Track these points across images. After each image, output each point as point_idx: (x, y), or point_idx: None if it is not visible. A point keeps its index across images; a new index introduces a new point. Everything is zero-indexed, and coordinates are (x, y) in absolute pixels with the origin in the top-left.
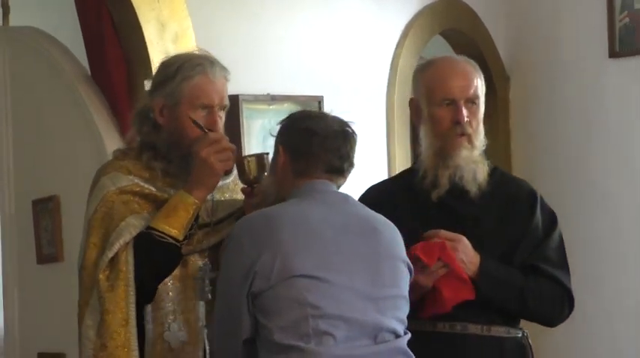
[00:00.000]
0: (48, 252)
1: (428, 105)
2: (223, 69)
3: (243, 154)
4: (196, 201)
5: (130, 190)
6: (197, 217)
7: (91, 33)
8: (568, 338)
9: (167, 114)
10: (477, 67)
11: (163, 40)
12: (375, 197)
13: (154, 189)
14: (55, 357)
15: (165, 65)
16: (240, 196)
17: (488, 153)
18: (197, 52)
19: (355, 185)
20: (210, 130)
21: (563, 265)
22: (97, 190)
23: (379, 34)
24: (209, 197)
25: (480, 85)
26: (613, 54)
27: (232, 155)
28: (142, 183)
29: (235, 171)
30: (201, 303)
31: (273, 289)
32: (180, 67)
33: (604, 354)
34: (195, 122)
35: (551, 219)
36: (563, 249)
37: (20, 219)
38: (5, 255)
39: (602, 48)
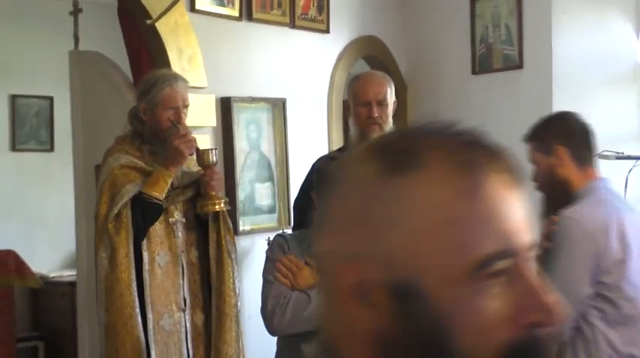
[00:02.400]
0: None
1: (354, 105)
2: (184, 80)
3: (201, 148)
4: (171, 174)
5: (127, 165)
6: (172, 184)
7: (133, 54)
8: None
9: (149, 114)
10: (389, 79)
11: (181, 61)
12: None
13: (143, 164)
14: None
15: (146, 80)
16: (195, 169)
17: None
18: (167, 71)
19: (304, 160)
20: (178, 123)
21: None
22: (105, 166)
23: (323, 57)
24: (179, 171)
25: (389, 91)
26: (474, 72)
27: (194, 144)
28: (135, 160)
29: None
30: (179, 237)
31: None
32: (156, 82)
33: None
34: (170, 120)
35: None
36: None
37: (87, 178)
38: (78, 201)
39: (467, 68)
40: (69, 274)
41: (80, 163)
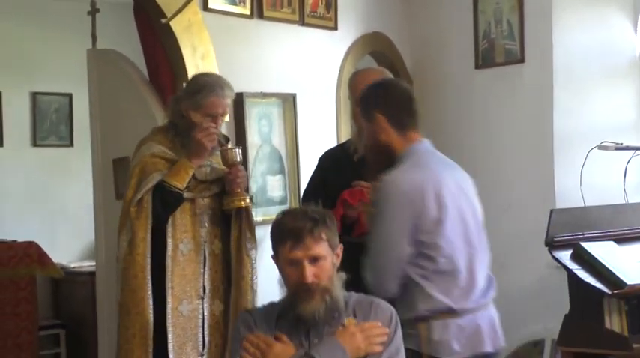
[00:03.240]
0: (122, 191)
1: (352, 101)
2: (230, 89)
3: (228, 147)
4: (192, 165)
5: (158, 155)
6: (194, 174)
7: (149, 53)
8: None
9: (189, 113)
10: (387, 74)
11: (195, 58)
12: (328, 158)
13: (173, 155)
14: None
15: (195, 82)
16: (222, 167)
17: None
18: (216, 78)
19: (313, 153)
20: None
21: None
22: (138, 153)
23: (331, 54)
24: (207, 163)
25: None
26: (477, 67)
27: (216, 136)
28: (166, 151)
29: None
30: (205, 227)
31: None
32: (203, 87)
33: None
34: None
35: None
36: None
37: (105, 171)
38: (96, 193)
39: (471, 63)
40: (89, 264)
41: (98, 157)
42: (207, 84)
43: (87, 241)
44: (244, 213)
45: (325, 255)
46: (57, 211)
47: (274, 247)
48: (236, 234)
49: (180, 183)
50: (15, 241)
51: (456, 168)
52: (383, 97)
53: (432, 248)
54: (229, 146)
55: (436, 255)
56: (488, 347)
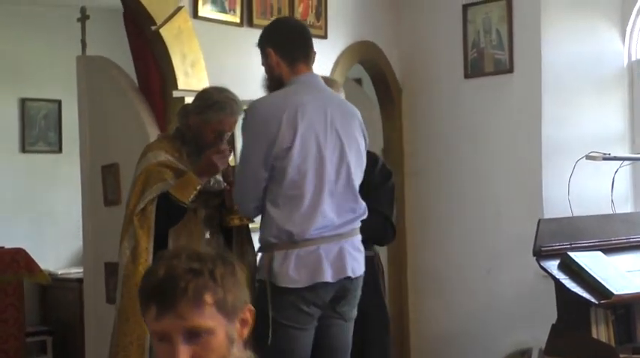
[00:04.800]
0: (111, 198)
1: None
2: (239, 106)
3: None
4: (201, 182)
5: (164, 164)
6: (200, 190)
7: (138, 59)
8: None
9: (195, 126)
10: (333, 83)
11: (184, 65)
12: None
13: (179, 164)
14: (114, 265)
15: (205, 97)
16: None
17: (387, 138)
18: (227, 95)
19: None
20: (221, 141)
21: (390, 204)
22: (144, 160)
23: (321, 62)
24: (212, 179)
25: None
26: (467, 76)
27: (227, 159)
28: (172, 160)
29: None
30: (205, 236)
31: None
32: (213, 104)
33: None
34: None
35: (386, 176)
36: (392, 195)
37: (94, 177)
38: (85, 200)
39: (460, 72)
40: (76, 271)
41: (87, 164)
42: (219, 101)
43: (75, 248)
44: (244, 229)
45: (212, 328)
46: (45, 217)
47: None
48: (238, 250)
49: (186, 198)
50: (2, 247)
51: (339, 105)
52: (273, 32)
53: (280, 172)
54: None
55: (282, 179)
56: (328, 278)
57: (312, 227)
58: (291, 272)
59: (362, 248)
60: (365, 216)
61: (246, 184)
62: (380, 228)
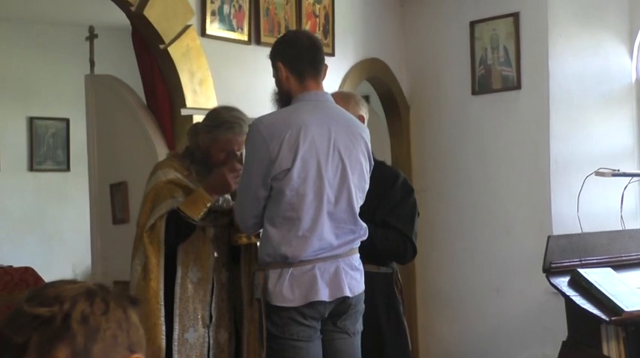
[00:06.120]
0: (119, 216)
1: None
2: (247, 125)
3: None
4: (211, 199)
5: (174, 182)
6: (210, 207)
7: (146, 77)
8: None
9: (204, 146)
10: (351, 97)
11: (193, 83)
12: None
13: (189, 182)
14: (123, 283)
15: (215, 116)
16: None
17: (395, 154)
18: (236, 114)
19: None
20: (234, 159)
21: (411, 222)
22: (154, 177)
23: (328, 79)
24: (221, 197)
25: (350, 108)
26: (474, 93)
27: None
28: (181, 178)
29: None
30: (214, 256)
31: None
32: (222, 123)
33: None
34: (226, 155)
35: (407, 192)
36: (413, 212)
37: (102, 196)
38: (93, 218)
39: (468, 89)
40: None
41: (95, 182)
42: (228, 121)
43: (83, 266)
44: (252, 248)
45: None
46: (53, 236)
47: None
48: (246, 269)
49: (196, 215)
50: (11, 266)
51: (345, 125)
52: (283, 46)
53: (278, 193)
54: None
55: (280, 200)
56: (324, 297)
57: (307, 250)
58: (285, 292)
59: (360, 265)
60: (365, 238)
61: (246, 202)
62: (400, 246)
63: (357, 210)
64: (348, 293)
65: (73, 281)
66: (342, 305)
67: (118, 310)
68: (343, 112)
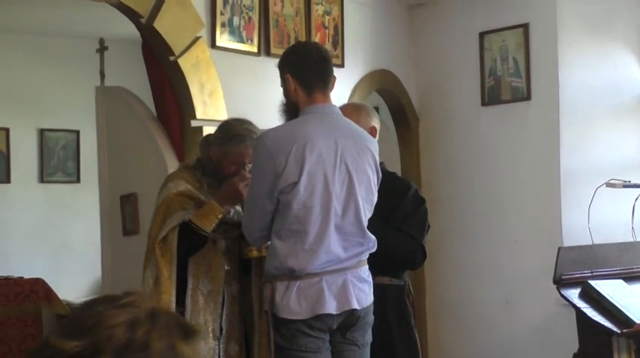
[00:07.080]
0: (129, 228)
1: None
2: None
3: None
4: (223, 211)
5: (184, 193)
6: (221, 219)
7: (156, 89)
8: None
9: (217, 158)
10: (362, 108)
11: (202, 94)
12: None
13: (200, 194)
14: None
15: (227, 128)
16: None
17: (405, 166)
18: (248, 127)
19: None
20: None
21: (421, 229)
22: (165, 189)
23: (338, 90)
24: (232, 209)
25: (361, 120)
26: (484, 104)
27: None
28: (193, 190)
29: None
30: (225, 268)
31: None
32: (234, 136)
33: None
34: (237, 167)
35: (418, 203)
36: (424, 221)
37: (113, 207)
38: (103, 230)
39: (477, 100)
40: None
41: (106, 194)
42: (239, 133)
43: (93, 277)
44: (263, 262)
45: None
46: (63, 247)
47: None
48: (257, 282)
49: (207, 226)
50: (21, 277)
51: (353, 138)
52: (292, 57)
53: (285, 206)
54: None
55: (287, 213)
56: (331, 310)
57: (314, 263)
58: (292, 304)
59: (369, 277)
60: (374, 250)
61: (252, 215)
62: (410, 252)
63: (365, 223)
64: (355, 306)
65: (122, 304)
66: (350, 318)
67: (162, 344)
68: (350, 124)
